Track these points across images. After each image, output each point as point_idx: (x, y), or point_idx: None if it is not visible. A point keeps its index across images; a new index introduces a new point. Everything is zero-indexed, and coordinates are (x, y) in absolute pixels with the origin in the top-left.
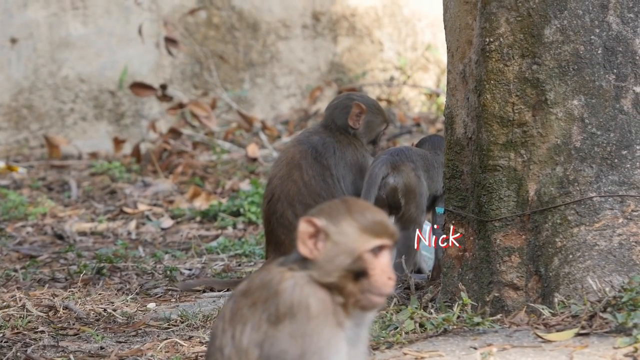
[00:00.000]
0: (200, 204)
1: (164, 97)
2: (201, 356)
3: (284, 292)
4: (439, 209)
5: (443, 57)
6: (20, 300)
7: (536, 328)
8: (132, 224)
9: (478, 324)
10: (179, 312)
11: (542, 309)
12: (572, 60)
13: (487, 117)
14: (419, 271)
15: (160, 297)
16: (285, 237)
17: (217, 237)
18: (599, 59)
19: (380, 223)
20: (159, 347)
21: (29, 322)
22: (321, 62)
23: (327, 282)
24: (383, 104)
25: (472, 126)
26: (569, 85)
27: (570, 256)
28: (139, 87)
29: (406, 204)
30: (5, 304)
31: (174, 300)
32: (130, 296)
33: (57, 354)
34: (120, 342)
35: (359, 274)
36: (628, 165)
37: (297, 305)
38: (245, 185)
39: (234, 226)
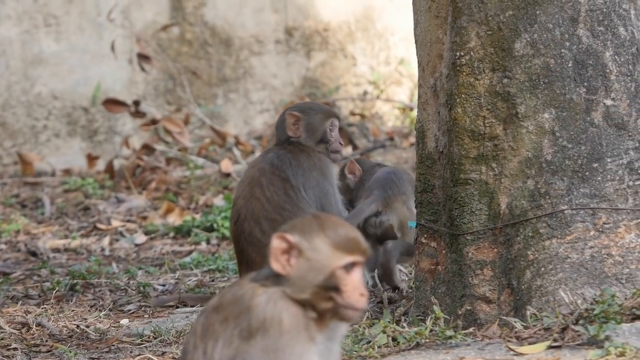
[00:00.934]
0: (174, 219)
1: (137, 113)
2: None
3: (257, 308)
4: (411, 223)
5: (416, 71)
6: None
7: (508, 341)
8: (106, 240)
9: (450, 337)
10: (152, 328)
11: (515, 321)
12: (543, 74)
13: (458, 131)
14: (395, 288)
15: (133, 313)
16: (256, 255)
17: (190, 252)
18: (570, 72)
19: (353, 240)
20: None
21: (2, 339)
22: (294, 77)
23: (300, 298)
24: (356, 119)
25: (444, 140)
26: (539, 98)
27: (542, 269)
28: (112, 104)
29: (402, 235)
30: None
31: (147, 316)
32: (103, 312)
33: None
34: (93, 359)
35: (331, 290)
36: (599, 178)
37: (269, 320)
38: (218, 201)
39: (208, 241)
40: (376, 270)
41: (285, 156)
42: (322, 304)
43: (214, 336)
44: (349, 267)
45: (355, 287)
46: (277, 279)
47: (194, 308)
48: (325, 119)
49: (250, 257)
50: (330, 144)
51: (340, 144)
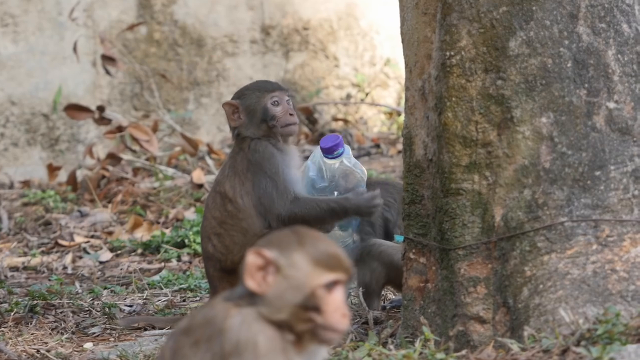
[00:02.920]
0: (142, 234)
1: (102, 120)
2: None
3: (230, 330)
4: (398, 237)
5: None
6: None
7: None
8: (68, 258)
9: None
10: (118, 352)
11: (511, 343)
12: (540, 75)
13: (449, 137)
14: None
15: (98, 336)
16: (214, 271)
17: (159, 270)
18: (569, 73)
19: (335, 256)
20: None
21: None
22: (271, 79)
23: (276, 318)
24: (339, 124)
25: (433, 147)
26: (536, 101)
27: (541, 286)
28: (75, 110)
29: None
30: None
31: (112, 339)
32: (65, 335)
33: None
34: None
35: (311, 310)
36: (602, 187)
37: (244, 344)
38: (190, 214)
39: (179, 258)
40: (361, 288)
41: (224, 167)
42: (300, 325)
43: None
44: (330, 285)
45: (336, 307)
46: (252, 298)
47: (163, 331)
48: (263, 94)
49: (209, 273)
50: (276, 119)
51: (290, 114)
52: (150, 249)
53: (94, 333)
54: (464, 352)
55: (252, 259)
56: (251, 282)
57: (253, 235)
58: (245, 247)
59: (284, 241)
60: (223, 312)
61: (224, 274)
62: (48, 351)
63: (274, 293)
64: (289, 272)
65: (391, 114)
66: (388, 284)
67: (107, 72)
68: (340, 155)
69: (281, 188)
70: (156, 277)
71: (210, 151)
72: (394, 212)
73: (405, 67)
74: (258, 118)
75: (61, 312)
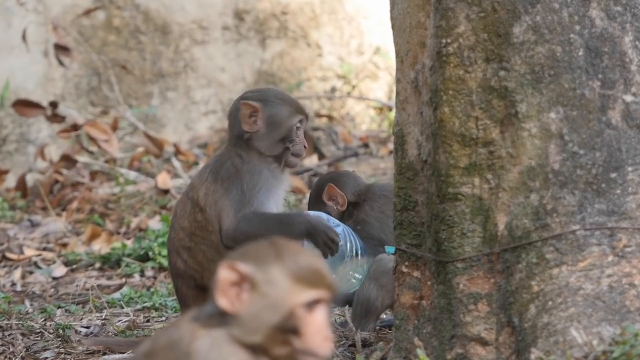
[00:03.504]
0: (100, 246)
1: (55, 117)
2: None
3: (197, 354)
4: (389, 248)
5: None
6: None
7: None
8: (17, 273)
9: None
10: None
11: None
12: (548, 65)
13: (446, 135)
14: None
15: None
16: (187, 289)
17: (120, 287)
18: (580, 62)
19: (316, 271)
20: None
21: None
22: (246, 70)
23: (251, 341)
24: (323, 121)
25: (428, 146)
26: (544, 94)
27: (550, 303)
28: (24, 106)
29: None
30: None
31: None
32: None
33: None
34: None
35: (289, 332)
36: (618, 191)
37: None
38: (154, 223)
39: (142, 273)
40: (347, 307)
41: (206, 169)
42: (277, 349)
43: None
44: (311, 304)
45: (318, 329)
46: (222, 318)
47: (124, 355)
48: (294, 113)
49: (181, 291)
50: (293, 144)
51: (304, 147)
52: (109, 262)
53: (46, 358)
54: None
55: (224, 273)
56: (223, 300)
57: (224, 251)
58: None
59: (260, 254)
60: (189, 333)
61: (200, 292)
62: None
63: (248, 312)
64: (266, 288)
65: (381, 109)
66: (393, 307)
67: (61, 63)
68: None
69: (244, 203)
70: (116, 295)
71: (178, 152)
72: None
73: (396, 57)
74: (280, 134)
75: (9, 335)
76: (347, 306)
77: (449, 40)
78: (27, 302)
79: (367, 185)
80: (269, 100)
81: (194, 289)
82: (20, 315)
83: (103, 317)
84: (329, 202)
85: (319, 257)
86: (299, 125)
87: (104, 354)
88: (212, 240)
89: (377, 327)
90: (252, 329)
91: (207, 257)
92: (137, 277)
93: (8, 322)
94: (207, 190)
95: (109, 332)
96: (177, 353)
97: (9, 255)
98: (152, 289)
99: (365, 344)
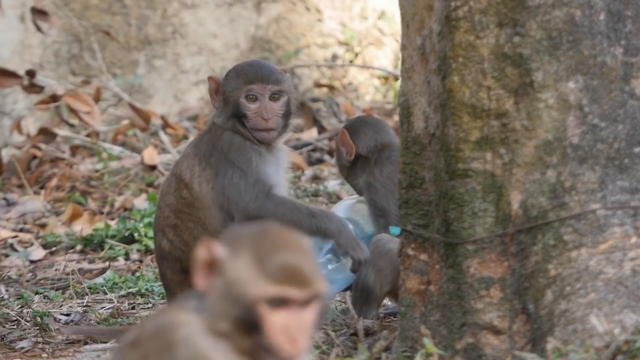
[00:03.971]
0: (82, 227)
1: (32, 87)
2: None
3: (180, 344)
4: (394, 229)
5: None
6: None
7: None
8: None
9: None
10: None
11: (532, 358)
12: (566, 30)
13: (455, 107)
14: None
15: (27, 351)
16: (172, 272)
17: (103, 271)
18: (601, 27)
19: (290, 267)
20: None
21: None
22: (240, 37)
23: (219, 329)
24: (323, 92)
25: (435, 118)
26: (561, 62)
27: (568, 288)
28: None
29: None
30: None
31: (45, 355)
32: None
33: None
34: None
35: (252, 326)
36: None
37: None
38: (141, 202)
39: (127, 256)
40: (348, 292)
41: (193, 143)
42: (241, 341)
43: None
44: (276, 302)
45: (283, 330)
46: (202, 302)
47: (107, 345)
48: (241, 85)
49: (166, 276)
50: (247, 119)
51: (263, 119)
52: (92, 245)
53: (22, 348)
54: None
55: (200, 252)
56: (198, 279)
57: (214, 229)
58: None
59: (241, 237)
60: (173, 320)
61: (185, 276)
62: None
63: (215, 298)
64: (232, 275)
65: (386, 78)
66: (393, 293)
67: (38, 29)
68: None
69: (251, 180)
70: (99, 280)
71: (166, 125)
72: None
73: (402, 21)
74: (229, 110)
75: None
76: (348, 292)
77: (458, 3)
78: (2, 288)
79: (386, 143)
80: (228, 74)
81: (179, 273)
82: None
83: (84, 304)
84: (341, 147)
85: (311, 258)
86: (248, 96)
87: (85, 343)
88: (199, 217)
89: (381, 315)
90: (218, 316)
91: (194, 235)
92: (121, 261)
93: None
94: (190, 166)
95: (90, 320)
96: (162, 342)
97: None
98: (137, 274)
99: (369, 332)
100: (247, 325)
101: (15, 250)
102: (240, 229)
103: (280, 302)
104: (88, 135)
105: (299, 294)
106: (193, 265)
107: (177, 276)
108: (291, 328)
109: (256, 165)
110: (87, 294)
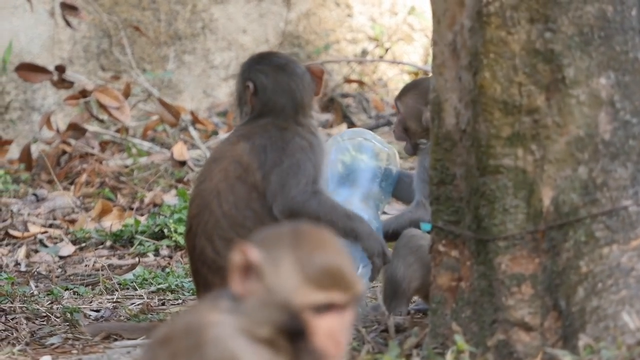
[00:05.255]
0: (111, 223)
1: (62, 83)
2: None
3: (210, 344)
4: (425, 226)
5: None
6: None
7: None
8: (21, 252)
9: None
10: None
11: (563, 355)
12: (598, 25)
13: (486, 103)
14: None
15: (57, 347)
16: (213, 276)
17: (133, 267)
18: (634, 23)
19: (334, 272)
20: None
21: None
22: (270, 32)
23: (259, 335)
24: (353, 87)
25: (467, 115)
26: (593, 58)
27: (600, 285)
28: (29, 70)
29: None
30: None
31: (75, 351)
32: (18, 347)
33: None
34: None
35: (297, 332)
36: None
37: None
38: (170, 198)
39: (156, 252)
40: (379, 288)
41: (263, 148)
42: (282, 344)
43: None
44: (322, 308)
45: (328, 335)
46: (238, 302)
47: (137, 341)
48: (242, 81)
49: (206, 279)
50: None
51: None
52: (121, 240)
53: (52, 344)
54: None
55: (235, 256)
56: (234, 283)
57: None
58: None
59: (277, 240)
60: (205, 320)
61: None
62: None
63: (254, 303)
64: (273, 282)
65: (417, 74)
66: (422, 291)
67: (68, 24)
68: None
69: (312, 178)
70: (129, 276)
71: (195, 120)
72: None
73: (433, 17)
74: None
75: (13, 319)
76: (378, 288)
77: None
78: (32, 284)
79: None
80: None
81: (222, 279)
82: (25, 298)
83: (114, 300)
84: (423, 107)
85: (348, 259)
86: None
87: (115, 340)
88: None
89: (412, 311)
90: (258, 322)
91: None
92: (151, 257)
93: (12, 305)
94: (267, 173)
95: (120, 316)
96: (191, 341)
97: (12, 232)
98: (167, 270)
99: (399, 329)
100: (290, 330)
101: (45, 246)
102: (273, 230)
103: (326, 308)
104: (117, 131)
105: (344, 298)
106: (229, 268)
107: (218, 281)
108: (335, 331)
109: (317, 162)
110: (116, 290)
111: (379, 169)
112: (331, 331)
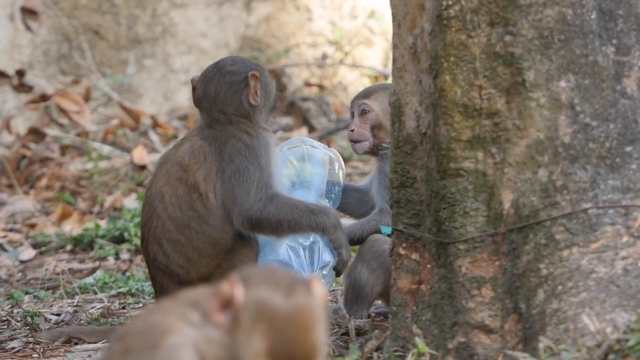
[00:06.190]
0: (72, 227)
1: (22, 87)
2: None
3: (164, 349)
4: (385, 228)
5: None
6: None
7: None
8: None
9: None
10: None
11: (524, 357)
12: (558, 29)
13: (447, 106)
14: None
15: (18, 351)
16: (167, 282)
17: (94, 271)
18: (593, 26)
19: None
20: None
21: None
22: (230, 36)
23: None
24: (313, 91)
25: (427, 118)
26: (553, 61)
27: (560, 287)
28: None
29: None
30: None
31: (36, 355)
32: None
33: None
34: None
35: None
36: (634, 166)
37: None
38: (130, 202)
39: (117, 256)
40: (340, 294)
41: (202, 149)
42: None
43: None
44: None
45: None
46: (208, 322)
47: (97, 344)
48: (272, 78)
49: (162, 284)
50: (276, 110)
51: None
52: (81, 244)
53: (13, 348)
54: None
55: (223, 287)
56: (211, 308)
57: (224, 246)
58: (217, 258)
59: (267, 295)
60: (169, 325)
61: (182, 287)
62: None
63: (219, 334)
64: (241, 333)
65: (377, 77)
66: (384, 295)
67: (28, 28)
68: None
69: (262, 183)
70: (89, 279)
71: (155, 124)
72: None
73: (393, 20)
74: (270, 104)
75: None
76: (340, 295)
77: (450, 2)
78: None
79: None
80: (259, 68)
81: (175, 284)
82: None
83: (75, 304)
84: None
85: (322, 342)
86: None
87: (76, 343)
88: (211, 236)
89: (372, 314)
90: (214, 352)
91: (201, 253)
92: (111, 260)
93: None
94: (209, 172)
95: (81, 320)
96: (147, 340)
97: None
98: (127, 273)
99: (360, 332)
100: None
101: (5, 250)
102: (268, 271)
103: None
104: (78, 135)
105: None
106: (212, 297)
107: (172, 286)
108: None
109: (271, 166)
110: (77, 294)
111: (325, 173)
112: None
